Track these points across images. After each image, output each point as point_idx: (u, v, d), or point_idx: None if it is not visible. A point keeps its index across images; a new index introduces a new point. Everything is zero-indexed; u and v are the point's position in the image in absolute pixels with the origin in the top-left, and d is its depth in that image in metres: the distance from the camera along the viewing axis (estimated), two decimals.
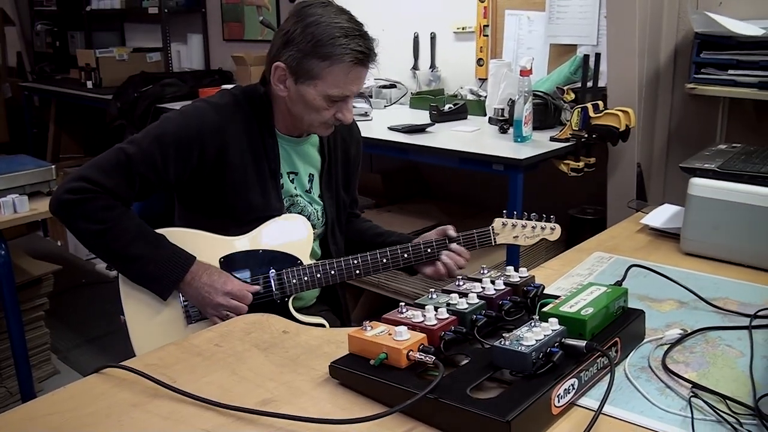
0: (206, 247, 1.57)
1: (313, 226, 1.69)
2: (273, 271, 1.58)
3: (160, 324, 1.56)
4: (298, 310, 1.64)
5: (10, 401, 2.65)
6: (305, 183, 1.70)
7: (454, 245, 1.67)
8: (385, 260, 1.63)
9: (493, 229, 1.68)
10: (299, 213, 1.68)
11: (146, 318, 1.56)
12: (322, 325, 1.63)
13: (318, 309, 1.77)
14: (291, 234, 1.62)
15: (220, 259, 1.58)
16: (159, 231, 1.56)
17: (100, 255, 1.58)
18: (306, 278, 1.59)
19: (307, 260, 1.62)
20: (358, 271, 1.62)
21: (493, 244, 1.69)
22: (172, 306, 1.56)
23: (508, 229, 1.68)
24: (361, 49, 1.50)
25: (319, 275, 1.60)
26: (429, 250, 1.66)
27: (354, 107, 2.98)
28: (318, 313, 1.73)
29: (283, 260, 1.60)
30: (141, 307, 1.56)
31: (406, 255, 1.65)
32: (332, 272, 1.60)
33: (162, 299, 1.54)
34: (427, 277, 1.71)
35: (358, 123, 2.19)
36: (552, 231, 1.69)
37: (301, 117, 1.58)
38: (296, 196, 1.68)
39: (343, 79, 1.51)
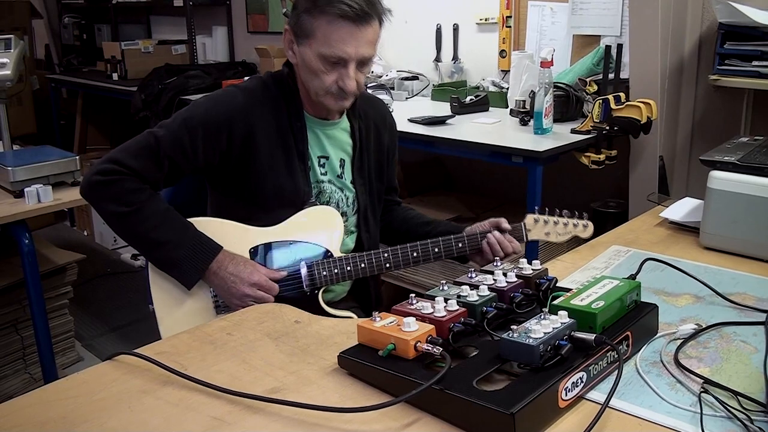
0: (236, 237, 1.57)
1: (344, 214, 1.67)
2: (303, 262, 1.57)
3: (189, 313, 1.55)
4: (327, 303, 1.63)
5: (33, 387, 2.69)
6: (336, 168, 1.68)
7: (495, 233, 1.63)
8: (415, 254, 1.60)
9: (524, 225, 1.66)
10: (327, 200, 1.66)
11: (175, 307, 1.55)
12: (352, 318, 1.61)
13: (348, 305, 1.75)
14: (322, 226, 1.61)
15: (250, 249, 1.57)
16: (188, 220, 1.56)
17: (126, 237, 1.57)
18: (336, 271, 1.57)
19: (337, 253, 1.60)
20: (388, 265, 1.59)
21: (525, 240, 1.66)
22: (201, 295, 1.56)
23: (540, 226, 1.66)
24: (349, 3, 1.44)
25: (349, 268, 1.58)
26: (460, 245, 1.63)
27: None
28: (348, 309, 1.70)
29: (314, 252, 1.59)
30: (170, 296, 1.55)
31: (436, 249, 1.61)
32: (362, 265, 1.58)
33: (186, 288, 1.54)
34: (479, 264, 1.68)
35: None
36: (585, 228, 1.67)
37: (308, 85, 1.56)
38: (324, 182, 1.66)
39: (330, 34, 1.47)
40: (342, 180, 1.69)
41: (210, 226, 1.57)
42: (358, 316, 1.67)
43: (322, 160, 1.66)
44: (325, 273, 1.57)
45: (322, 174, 1.66)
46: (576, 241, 2.57)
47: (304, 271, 1.57)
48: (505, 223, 1.65)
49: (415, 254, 1.60)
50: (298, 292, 1.57)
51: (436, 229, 1.75)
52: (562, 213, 1.66)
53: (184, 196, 1.78)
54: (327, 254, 1.60)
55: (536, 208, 1.67)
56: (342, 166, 1.69)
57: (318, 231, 1.60)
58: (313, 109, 1.63)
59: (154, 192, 1.54)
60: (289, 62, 1.62)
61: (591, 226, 1.67)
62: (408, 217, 1.86)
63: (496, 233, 1.63)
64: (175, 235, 1.52)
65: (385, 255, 1.59)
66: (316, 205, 1.64)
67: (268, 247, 1.58)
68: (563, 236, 1.66)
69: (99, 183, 1.51)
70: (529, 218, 1.66)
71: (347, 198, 1.70)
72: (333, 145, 1.67)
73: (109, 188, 1.50)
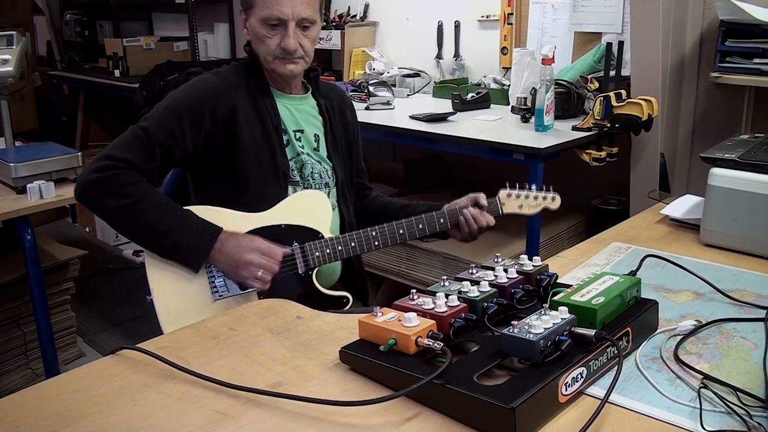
0: (230, 223, 1.60)
1: (326, 185, 1.74)
2: (296, 244, 1.62)
3: (187, 301, 1.57)
4: None
5: (35, 382, 2.70)
6: (312, 142, 1.75)
7: (471, 208, 1.71)
8: (401, 231, 1.67)
9: (499, 200, 1.75)
10: (310, 172, 1.72)
11: (173, 296, 1.57)
12: (347, 298, 1.67)
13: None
14: (311, 209, 1.67)
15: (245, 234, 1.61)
16: (185, 208, 1.59)
17: (127, 231, 1.59)
18: (328, 251, 1.63)
19: (327, 234, 1.66)
20: (377, 243, 1.65)
21: (501, 213, 1.75)
22: (198, 282, 1.58)
23: (512, 200, 1.76)
24: None
25: (340, 248, 1.64)
26: (442, 221, 1.70)
27: (376, 96, 3.04)
28: None
29: (305, 234, 1.64)
30: (168, 285, 1.58)
31: (420, 226, 1.69)
32: (352, 244, 1.64)
33: (194, 271, 1.56)
34: (458, 240, 1.76)
35: (379, 112, 2.18)
36: (553, 200, 1.78)
37: (260, 56, 1.66)
38: (303, 154, 1.72)
39: None
40: (318, 153, 1.76)
41: (205, 213, 1.60)
42: (351, 300, 1.72)
43: (298, 134, 1.73)
44: (317, 254, 1.63)
45: (300, 147, 1.72)
46: (578, 238, 2.58)
47: (297, 252, 1.62)
48: (483, 199, 1.74)
49: (401, 231, 1.67)
50: (293, 273, 1.62)
51: (415, 210, 1.81)
52: (531, 188, 1.77)
53: (184, 185, 1.81)
54: (318, 236, 1.65)
55: (507, 183, 1.76)
56: (317, 140, 1.76)
57: (308, 214, 1.67)
58: (275, 83, 1.72)
59: (149, 184, 1.58)
60: (249, 45, 1.71)
61: (558, 198, 1.78)
62: (384, 203, 1.93)
63: (472, 209, 1.71)
64: (177, 222, 1.55)
65: (374, 233, 1.66)
66: (298, 183, 1.70)
67: (261, 231, 1.62)
68: (535, 208, 1.78)
69: (96, 180, 1.53)
70: (502, 193, 1.76)
71: (326, 170, 1.76)
72: (305, 121, 1.75)
73: (107, 184, 1.53)
